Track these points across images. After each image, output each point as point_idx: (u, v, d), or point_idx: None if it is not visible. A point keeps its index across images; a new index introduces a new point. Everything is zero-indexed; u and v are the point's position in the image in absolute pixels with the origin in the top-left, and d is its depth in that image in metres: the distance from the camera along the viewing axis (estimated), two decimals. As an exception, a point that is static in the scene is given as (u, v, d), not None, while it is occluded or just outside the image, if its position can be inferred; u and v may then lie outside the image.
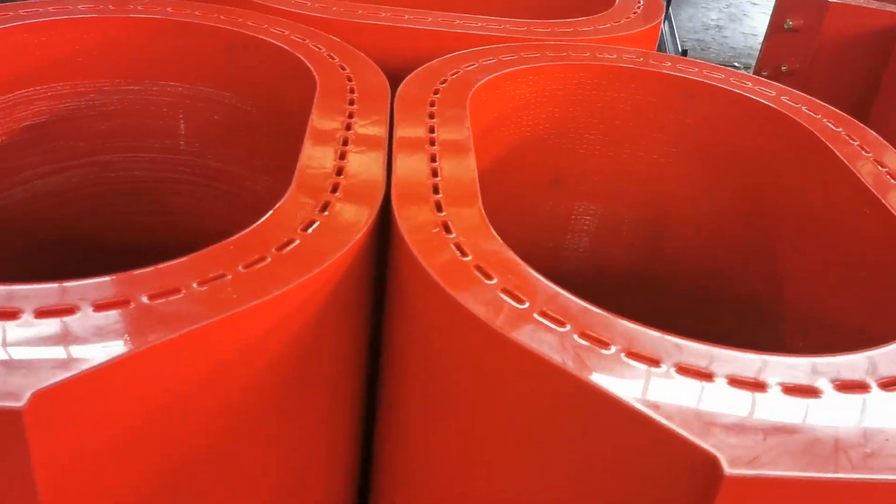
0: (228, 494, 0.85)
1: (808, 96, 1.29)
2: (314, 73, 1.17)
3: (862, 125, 1.22)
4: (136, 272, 0.73)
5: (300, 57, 1.23)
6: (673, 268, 1.46)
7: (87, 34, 1.27)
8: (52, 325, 0.66)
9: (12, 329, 0.66)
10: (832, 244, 1.14)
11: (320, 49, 1.26)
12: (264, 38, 1.28)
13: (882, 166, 1.10)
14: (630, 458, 0.69)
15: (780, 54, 2.85)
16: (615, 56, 1.36)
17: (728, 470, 0.61)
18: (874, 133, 1.19)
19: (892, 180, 1.07)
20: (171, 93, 1.36)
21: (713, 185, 1.35)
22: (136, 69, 1.33)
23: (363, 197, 0.89)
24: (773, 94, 1.29)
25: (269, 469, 0.89)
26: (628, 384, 0.68)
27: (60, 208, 1.38)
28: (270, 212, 0.85)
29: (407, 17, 1.41)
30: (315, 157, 0.95)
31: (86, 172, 1.37)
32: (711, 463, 0.62)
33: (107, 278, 0.72)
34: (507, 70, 1.26)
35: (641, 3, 1.66)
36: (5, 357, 0.63)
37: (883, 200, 1.02)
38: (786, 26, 2.94)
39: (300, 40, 1.28)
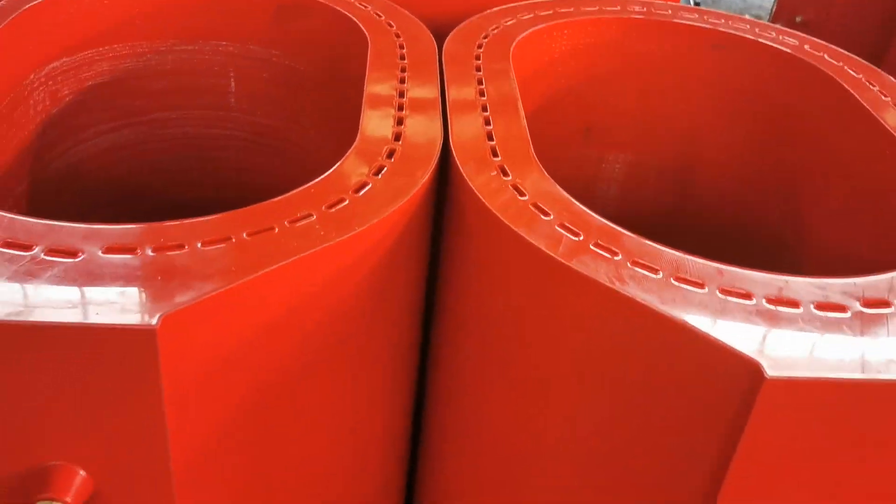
0: (312, 417, 0.94)
1: (828, 44, 1.36)
2: (365, 32, 1.24)
3: (880, 71, 1.28)
4: (234, 212, 0.82)
5: (349, 16, 1.30)
6: (700, 212, 1.54)
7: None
8: (168, 259, 0.75)
9: (135, 262, 0.75)
10: (854, 186, 1.22)
11: (367, 7, 1.33)
12: (312, -2, 1.35)
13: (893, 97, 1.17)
14: (681, 370, 0.77)
15: (794, 5, 2.89)
16: (645, 9, 1.43)
17: (769, 373, 0.70)
18: (892, 79, 1.26)
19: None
20: (222, 52, 1.43)
21: (739, 132, 1.43)
22: (190, 30, 1.40)
23: (425, 153, 0.96)
24: (797, 42, 1.35)
25: (342, 396, 0.98)
26: (677, 304, 0.76)
27: (118, 165, 1.46)
28: (347, 156, 0.93)
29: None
30: (375, 118, 1.03)
31: (142, 130, 1.45)
32: (754, 368, 0.70)
33: (210, 218, 0.81)
34: (544, 24, 1.33)
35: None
36: (136, 286, 0.71)
37: (902, 142, 1.10)
38: (796, 21, 2.97)
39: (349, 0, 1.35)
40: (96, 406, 0.72)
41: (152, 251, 0.76)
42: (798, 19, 2.71)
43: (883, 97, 1.21)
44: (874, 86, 1.23)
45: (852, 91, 1.21)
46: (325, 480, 1.02)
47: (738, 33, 1.38)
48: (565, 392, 0.91)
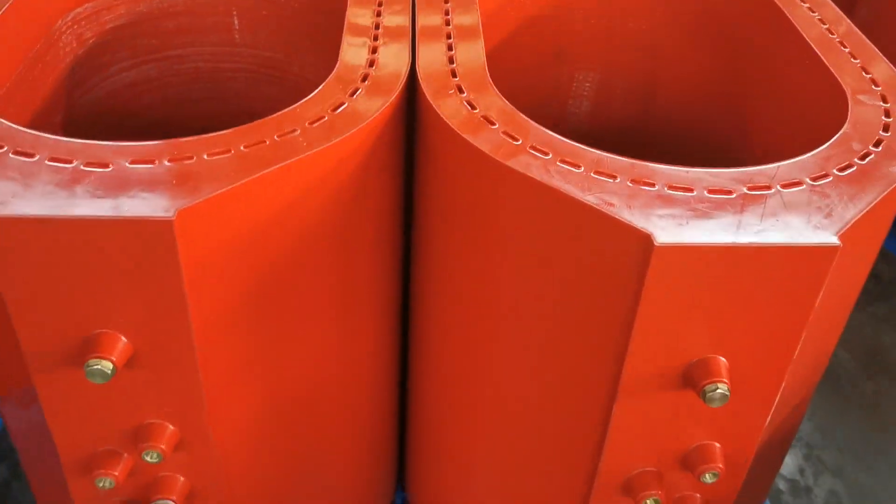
0: (305, 301, 1.14)
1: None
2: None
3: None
4: (233, 129, 1.00)
5: (333, -45, 1.45)
6: (662, 124, 1.70)
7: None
8: (182, 168, 0.94)
9: (155, 171, 0.94)
10: (782, 96, 1.37)
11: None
12: (302, -60, 1.51)
13: (825, 25, 1.32)
14: (593, 246, 0.96)
15: None
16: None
17: (658, 241, 0.88)
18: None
19: (832, 37, 1.29)
20: (226, -8, 1.60)
21: (695, 50, 1.58)
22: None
23: (394, 77, 1.13)
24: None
25: (330, 284, 1.17)
26: (592, 191, 0.94)
27: (140, 98, 1.65)
28: (327, 82, 1.11)
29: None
30: (352, 47, 1.20)
31: (159, 66, 1.63)
32: (646, 238, 0.89)
33: (212, 135, 0.99)
34: (510, -43, 1.47)
35: None
36: (157, 189, 0.91)
37: (823, 58, 1.24)
38: None
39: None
40: (131, 285, 0.92)
41: (168, 162, 0.95)
42: None
43: (811, 13, 1.35)
44: (805, 2, 1.38)
45: (783, 8, 1.35)
46: (320, 361, 1.23)
47: (688, -42, 1.52)
48: (508, 275, 1.09)
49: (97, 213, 0.88)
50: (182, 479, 1.13)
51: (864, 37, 1.29)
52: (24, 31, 1.30)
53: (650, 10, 1.61)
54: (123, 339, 0.97)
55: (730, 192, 0.96)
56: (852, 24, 1.33)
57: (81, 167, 0.94)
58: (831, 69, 1.20)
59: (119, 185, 0.91)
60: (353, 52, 1.18)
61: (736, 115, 1.53)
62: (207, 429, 1.07)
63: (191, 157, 0.96)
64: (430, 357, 1.34)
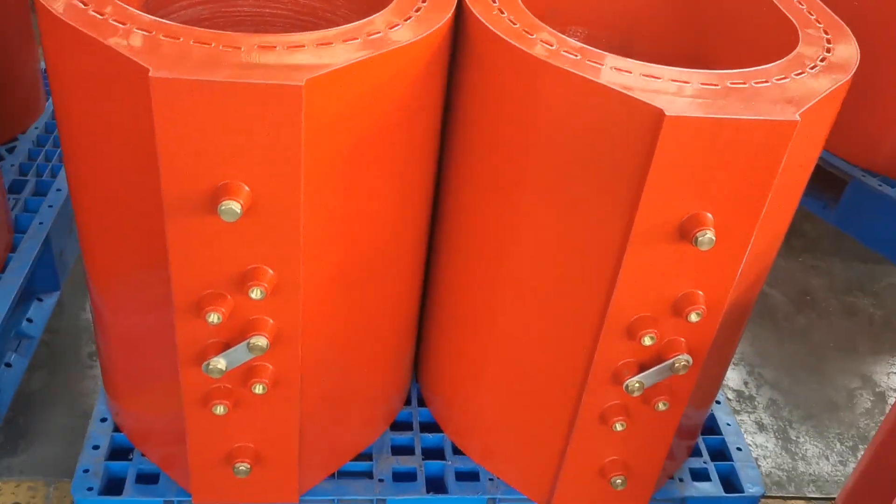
0: (377, 184, 1.40)
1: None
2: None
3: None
4: (335, 29, 1.26)
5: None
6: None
7: None
8: (296, 52, 1.20)
9: (276, 52, 1.19)
10: (745, 43, 1.70)
11: None
12: None
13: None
14: (611, 123, 1.25)
15: None
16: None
17: (668, 113, 1.17)
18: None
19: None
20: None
21: (668, 8, 1.89)
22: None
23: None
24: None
25: (397, 167, 1.43)
26: (615, 83, 1.23)
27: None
28: (393, 3, 1.38)
29: None
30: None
31: (209, 7, 1.87)
32: (658, 112, 1.18)
33: (317, 32, 1.25)
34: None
35: None
36: (302, 61, 1.16)
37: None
38: None
39: None
40: (261, 142, 1.17)
41: (286, 48, 1.21)
42: None
43: (765, -27, 1.68)
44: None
45: (743, -32, 1.68)
46: (384, 224, 1.49)
47: (665, -70, 1.84)
48: (536, 150, 1.37)
49: (242, 79, 1.13)
50: (271, 321, 1.37)
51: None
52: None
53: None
54: (246, 188, 1.22)
55: (716, 85, 1.27)
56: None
57: (220, 48, 1.19)
58: (783, 10, 1.53)
59: (263, 61, 1.17)
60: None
61: (700, 60, 1.85)
62: (300, 275, 1.33)
63: (302, 46, 1.22)
64: (455, 231, 1.61)
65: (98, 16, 1.22)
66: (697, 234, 1.26)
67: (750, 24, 1.68)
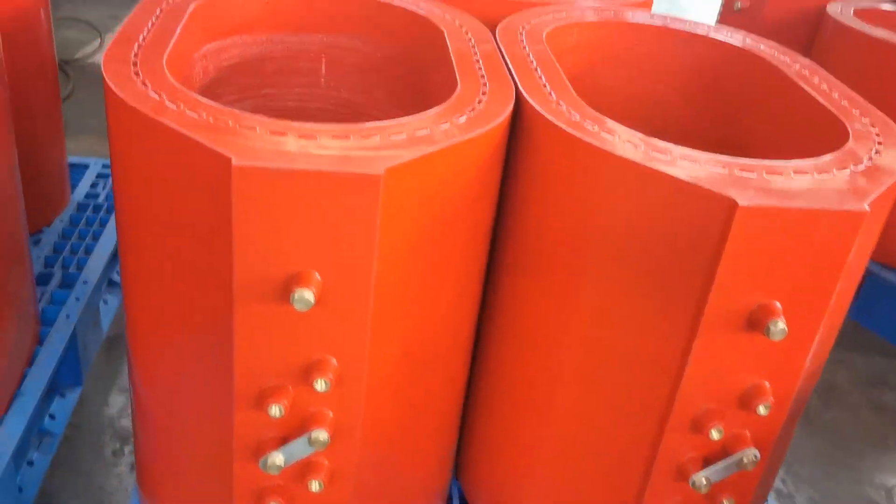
0: (442, 271, 1.40)
1: (760, 37, 1.89)
2: (437, 25, 1.72)
3: (797, 54, 1.81)
4: (399, 120, 1.28)
5: (421, 13, 1.78)
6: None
7: None
8: (368, 142, 1.21)
9: (347, 142, 1.20)
10: (783, 136, 1.73)
11: (432, 9, 1.81)
12: (390, 1, 1.83)
13: (810, 72, 1.70)
14: (678, 213, 1.25)
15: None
16: (630, 14, 1.94)
17: (741, 204, 1.18)
18: (809, 60, 1.79)
19: (817, 81, 1.66)
20: (317, 42, 1.90)
21: (698, 106, 1.94)
22: (295, 24, 1.86)
23: (507, 94, 1.44)
24: (740, 37, 1.88)
25: (458, 259, 1.43)
26: (682, 170, 1.25)
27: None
28: (457, 95, 1.40)
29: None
30: (470, 79, 1.50)
31: (256, 102, 1.90)
32: (731, 202, 1.19)
33: (387, 122, 1.27)
34: (560, 24, 1.83)
35: (639, -20, 2.25)
36: (361, 154, 1.17)
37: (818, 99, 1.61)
38: (735, 8, 3.57)
39: (417, 3, 1.83)
40: (336, 230, 1.17)
41: (361, 137, 1.22)
42: (737, 6, 3.31)
43: (801, 70, 1.73)
44: (795, 63, 1.76)
45: (779, 66, 1.73)
46: (441, 316, 1.47)
47: (696, 32, 1.91)
48: (596, 243, 1.37)
49: (322, 168, 1.13)
50: (331, 414, 1.34)
51: (840, 82, 1.67)
52: (181, 57, 1.56)
53: (660, 76, 1.98)
54: (318, 276, 1.20)
55: (781, 174, 1.28)
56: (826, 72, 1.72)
57: (297, 137, 1.20)
58: (829, 108, 1.57)
59: (326, 150, 1.18)
60: (468, 83, 1.48)
61: (730, 147, 1.88)
62: (364, 366, 1.30)
63: (375, 136, 1.23)
64: (507, 320, 1.59)
65: (173, 105, 1.23)
66: (769, 324, 1.25)
67: (787, 114, 1.72)
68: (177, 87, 1.29)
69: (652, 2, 2.19)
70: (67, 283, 2.36)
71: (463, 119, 1.33)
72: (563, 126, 1.34)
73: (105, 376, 2.36)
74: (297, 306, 1.18)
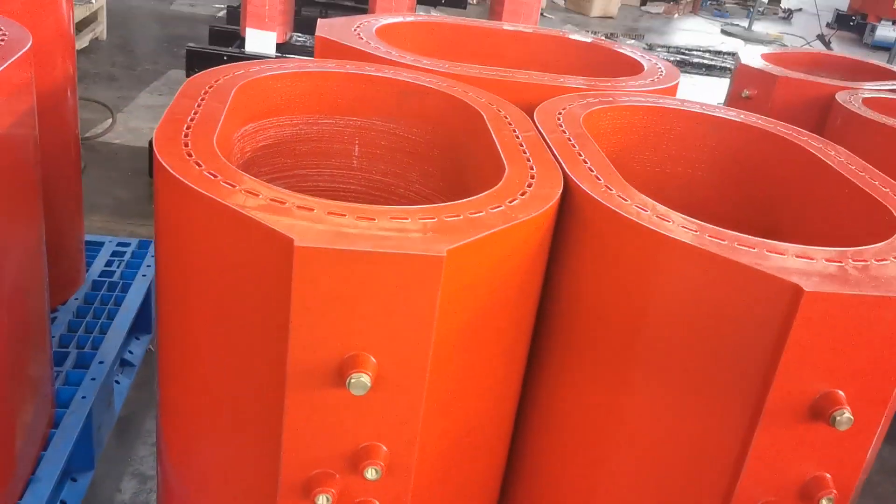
0: (494, 351, 1.36)
1: (784, 123, 1.92)
2: (476, 108, 1.73)
3: (831, 143, 1.83)
4: (458, 202, 1.27)
5: (458, 97, 1.79)
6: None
7: (304, 83, 1.81)
8: (441, 225, 1.19)
9: (407, 223, 1.19)
10: (820, 221, 1.73)
11: (468, 93, 1.83)
12: (426, 85, 1.84)
13: (847, 160, 1.70)
14: (739, 298, 1.23)
15: (742, 84, 3.51)
16: (661, 99, 1.96)
17: (806, 289, 1.16)
18: (843, 148, 1.81)
19: (855, 169, 1.67)
20: (352, 125, 1.90)
21: (729, 187, 1.94)
22: (330, 108, 1.87)
23: (555, 179, 1.44)
24: (765, 122, 1.90)
25: (507, 337, 1.40)
26: (742, 257, 1.23)
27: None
28: (501, 183, 1.39)
29: (504, 72, 1.99)
30: (517, 163, 1.50)
31: (288, 181, 1.89)
32: (796, 288, 1.17)
33: (446, 204, 1.25)
34: (595, 108, 1.84)
35: (663, 70, 2.29)
36: (420, 235, 1.15)
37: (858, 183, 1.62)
38: (743, 95, 3.63)
39: (452, 87, 1.85)
40: (394, 311, 1.14)
41: (419, 219, 1.20)
42: (745, 94, 3.36)
43: (838, 157, 1.74)
44: (832, 151, 1.77)
45: (815, 153, 1.74)
46: (488, 397, 1.43)
47: (727, 117, 1.92)
48: (651, 341, 1.35)
49: (383, 249, 1.11)
50: (377, 503, 1.29)
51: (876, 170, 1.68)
52: (224, 139, 1.55)
53: (690, 157, 1.99)
54: (373, 359, 1.17)
55: (840, 262, 1.27)
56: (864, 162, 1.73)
57: (355, 218, 1.18)
58: (873, 195, 1.57)
59: (385, 231, 1.16)
60: (515, 167, 1.48)
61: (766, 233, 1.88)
62: (414, 453, 1.26)
63: (433, 218, 1.22)
64: (551, 414, 1.55)
65: (229, 186, 1.22)
66: (835, 414, 1.22)
67: (825, 200, 1.72)
68: (231, 167, 1.28)
69: (677, 88, 2.22)
70: (82, 364, 2.31)
71: (515, 202, 1.32)
72: (617, 209, 1.33)
73: (117, 459, 2.28)
74: (354, 391, 1.14)
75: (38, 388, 1.95)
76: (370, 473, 1.23)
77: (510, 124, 1.68)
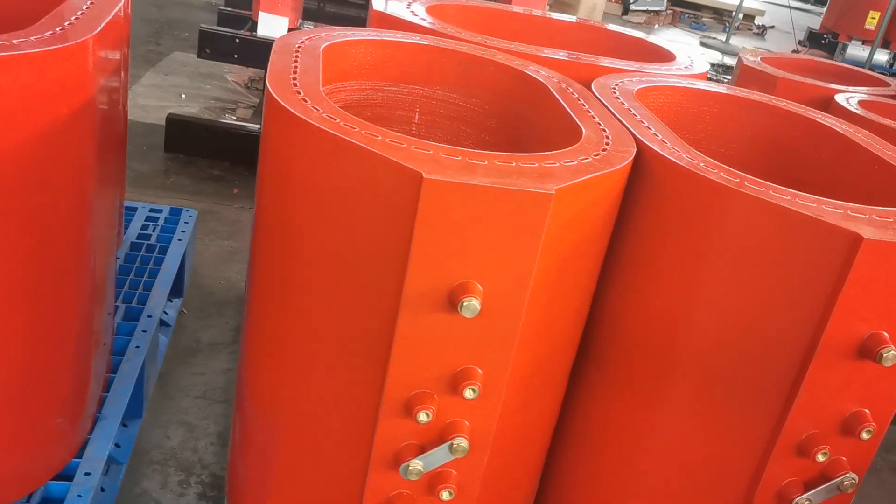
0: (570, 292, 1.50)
1: (818, 111, 2.08)
2: (541, 80, 1.87)
3: (858, 126, 2.00)
4: (555, 152, 1.40)
5: (520, 70, 1.92)
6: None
7: (377, 50, 1.93)
8: (541, 170, 1.33)
9: (515, 165, 1.31)
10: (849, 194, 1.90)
11: (528, 66, 1.96)
12: (488, 58, 1.97)
13: (873, 140, 1.87)
14: (804, 247, 1.38)
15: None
16: (699, 82, 2.12)
17: (865, 237, 1.32)
18: (867, 131, 1.97)
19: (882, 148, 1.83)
20: (414, 93, 2.02)
21: (762, 163, 2.10)
22: (395, 77, 1.99)
23: (625, 137, 1.58)
24: (802, 108, 2.07)
25: (584, 280, 1.53)
26: (799, 206, 1.38)
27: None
28: (583, 139, 1.53)
29: (557, 52, 2.13)
30: (591, 126, 1.64)
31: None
32: (854, 235, 1.32)
33: (565, 150, 1.39)
34: (646, 86, 1.99)
35: (693, 59, 2.45)
36: (528, 176, 1.28)
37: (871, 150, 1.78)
38: None
39: (512, 60, 1.98)
40: (504, 244, 1.27)
41: (522, 163, 1.33)
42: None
43: (864, 138, 1.91)
44: (857, 132, 1.94)
45: (845, 134, 1.91)
46: (564, 335, 1.57)
47: (764, 100, 2.09)
48: (714, 278, 1.49)
49: (501, 185, 1.24)
50: (468, 423, 1.41)
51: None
52: (314, 91, 1.67)
53: (731, 137, 2.15)
54: (480, 287, 1.30)
55: (889, 217, 1.43)
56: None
57: (468, 160, 1.31)
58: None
59: (503, 172, 1.29)
60: (591, 129, 1.62)
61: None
62: (505, 377, 1.39)
63: (535, 165, 1.35)
64: (612, 333, 1.69)
65: (350, 127, 1.34)
66: (882, 351, 1.37)
67: (856, 176, 1.88)
68: (345, 112, 1.40)
69: (707, 74, 2.38)
70: (131, 317, 2.39)
71: (599, 156, 1.46)
72: (688, 167, 1.48)
73: (161, 410, 2.37)
74: (466, 313, 1.27)
75: (102, 337, 2.04)
76: (468, 393, 1.35)
77: (573, 94, 1.82)
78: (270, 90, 1.45)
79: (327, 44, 1.80)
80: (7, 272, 1.52)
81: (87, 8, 1.65)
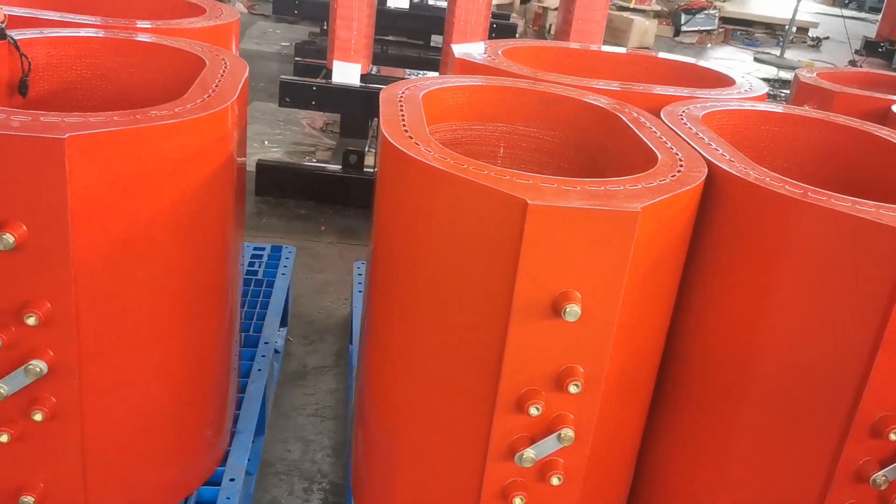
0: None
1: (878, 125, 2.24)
2: (613, 112, 2.08)
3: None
4: (630, 177, 1.61)
5: (593, 103, 2.14)
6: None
7: (464, 94, 2.18)
8: (602, 191, 1.54)
9: (603, 188, 1.53)
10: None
11: (599, 99, 2.18)
12: (563, 94, 2.20)
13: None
14: (863, 249, 1.55)
15: (802, 101, 3.82)
16: (758, 104, 2.30)
17: (918, 235, 1.49)
18: (921, 140, 2.13)
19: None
20: (498, 130, 2.26)
21: (823, 175, 2.27)
22: (480, 116, 2.23)
23: (699, 165, 1.78)
24: (858, 123, 2.24)
25: (665, 299, 1.73)
26: (864, 214, 1.56)
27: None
28: (659, 163, 1.74)
29: (624, 84, 2.34)
30: (664, 151, 1.85)
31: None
32: (909, 234, 1.50)
33: (621, 178, 1.60)
34: (708, 111, 2.19)
35: (752, 82, 2.64)
36: (616, 198, 1.50)
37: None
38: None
39: (584, 95, 2.20)
40: (599, 257, 1.48)
41: (609, 186, 1.55)
42: (805, 108, 3.68)
43: (919, 148, 2.07)
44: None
45: (890, 139, 2.08)
46: (654, 337, 1.76)
47: (821, 117, 2.27)
48: (787, 282, 1.67)
49: (595, 206, 1.46)
50: (572, 416, 1.61)
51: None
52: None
53: (792, 151, 2.32)
54: (579, 295, 1.51)
55: (940, 218, 1.59)
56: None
57: (562, 187, 1.52)
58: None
59: (594, 195, 1.50)
60: (665, 155, 1.83)
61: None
62: (604, 374, 1.59)
63: (621, 188, 1.56)
64: (690, 338, 1.87)
65: (460, 165, 1.57)
66: (942, 337, 1.54)
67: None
68: (453, 152, 1.64)
69: (766, 95, 2.56)
70: (249, 344, 2.66)
71: (675, 177, 1.66)
72: (757, 183, 1.67)
73: (279, 427, 2.62)
74: (568, 318, 1.48)
75: (233, 362, 2.30)
76: (573, 388, 1.56)
77: (646, 123, 2.03)
78: (386, 136, 1.69)
79: (424, 91, 2.05)
80: (169, 312, 1.78)
81: (222, 75, 1.92)
